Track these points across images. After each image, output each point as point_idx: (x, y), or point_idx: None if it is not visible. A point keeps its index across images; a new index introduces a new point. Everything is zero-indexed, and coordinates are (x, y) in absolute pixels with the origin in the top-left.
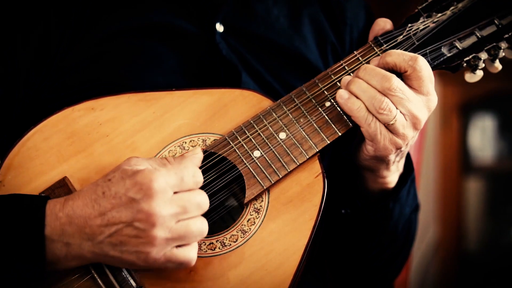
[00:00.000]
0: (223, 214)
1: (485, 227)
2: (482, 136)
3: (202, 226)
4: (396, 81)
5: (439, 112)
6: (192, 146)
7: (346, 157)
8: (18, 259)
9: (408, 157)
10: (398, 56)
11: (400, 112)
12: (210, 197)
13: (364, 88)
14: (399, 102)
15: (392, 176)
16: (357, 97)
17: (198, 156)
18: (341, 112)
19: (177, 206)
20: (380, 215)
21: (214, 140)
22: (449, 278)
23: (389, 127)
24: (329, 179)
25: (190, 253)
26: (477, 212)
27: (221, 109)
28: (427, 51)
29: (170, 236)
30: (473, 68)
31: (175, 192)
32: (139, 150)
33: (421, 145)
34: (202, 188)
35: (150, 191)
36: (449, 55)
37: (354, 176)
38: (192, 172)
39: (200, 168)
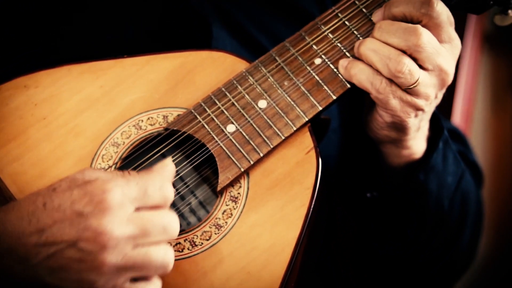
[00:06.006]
0: (193, 205)
1: None
2: None
3: (165, 256)
4: (425, 34)
5: (489, 91)
6: (151, 125)
7: (360, 128)
8: None
9: (434, 114)
10: (406, 5)
11: (425, 69)
12: (175, 183)
13: (376, 47)
14: (427, 59)
15: (418, 145)
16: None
17: (168, 168)
18: (335, 70)
19: (136, 226)
20: (411, 192)
21: (178, 115)
22: None
23: (408, 90)
24: (345, 155)
25: None
26: None
27: (185, 77)
28: None
29: (123, 264)
30: (504, 7)
31: (136, 209)
32: (85, 134)
33: (466, 134)
34: None
35: (102, 204)
36: None
37: (375, 151)
38: (159, 185)
39: (162, 148)
